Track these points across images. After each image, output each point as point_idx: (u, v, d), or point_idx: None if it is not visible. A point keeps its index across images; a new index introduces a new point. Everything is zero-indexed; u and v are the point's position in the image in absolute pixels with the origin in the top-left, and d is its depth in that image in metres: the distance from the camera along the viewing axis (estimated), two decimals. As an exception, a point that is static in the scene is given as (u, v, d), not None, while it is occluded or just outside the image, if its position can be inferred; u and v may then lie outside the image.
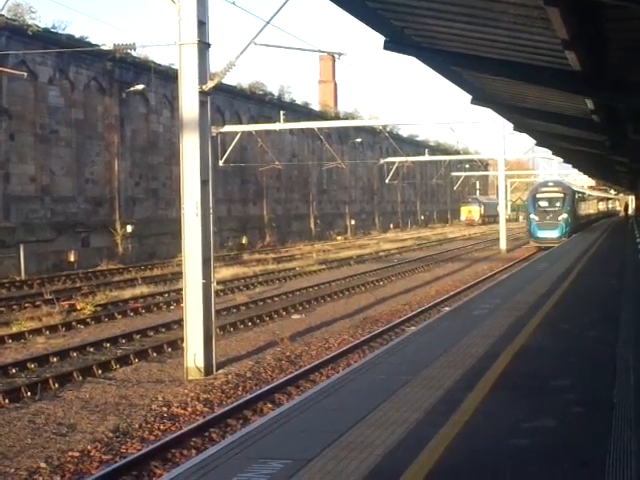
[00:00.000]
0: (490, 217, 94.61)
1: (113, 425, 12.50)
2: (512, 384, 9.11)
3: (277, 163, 46.62)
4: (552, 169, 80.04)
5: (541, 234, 48.49)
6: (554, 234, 47.78)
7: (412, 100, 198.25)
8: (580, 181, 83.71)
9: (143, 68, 44.47)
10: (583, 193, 61.96)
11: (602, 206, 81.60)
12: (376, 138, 78.44)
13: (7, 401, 13.94)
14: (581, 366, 10.09)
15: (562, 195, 49.21)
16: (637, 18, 7.10)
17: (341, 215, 73.62)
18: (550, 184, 51.51)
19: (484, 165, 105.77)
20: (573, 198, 50.71)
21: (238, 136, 39.63)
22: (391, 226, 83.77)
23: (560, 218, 48.32)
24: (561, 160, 50.27)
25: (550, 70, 9.82)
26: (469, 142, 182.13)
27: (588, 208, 65.36)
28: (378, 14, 9.24)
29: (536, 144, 32.25)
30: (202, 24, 15.87)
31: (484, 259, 44.89)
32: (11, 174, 35.74)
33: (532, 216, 49.37)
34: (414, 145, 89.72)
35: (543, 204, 49.01)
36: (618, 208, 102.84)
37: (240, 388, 14.91)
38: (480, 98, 15.33)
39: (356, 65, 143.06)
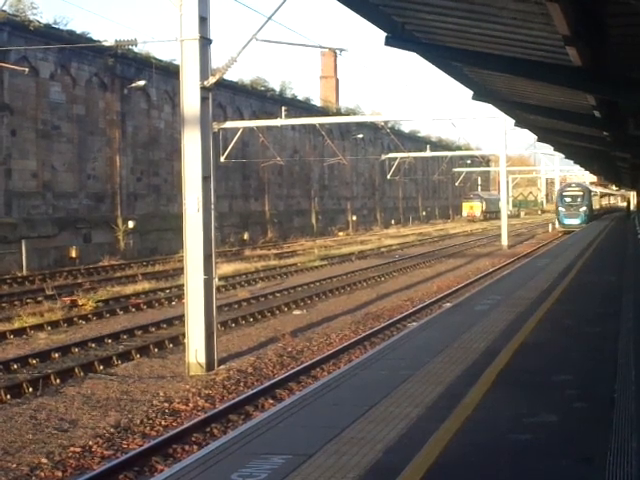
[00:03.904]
0: (492, 213, 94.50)
1: (115, 421, 12.52)
2: (514, 379, 9.12)
3: (279, 159, 46.59)
4: (554, 165, 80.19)
5: (567, 221, 63.50)
6: (576, 221, 62.62)
7: (413, 96, 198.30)
8: (582, 177, 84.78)
9: (144, 64, 44.48)
10: (596, 192, 78.66)
11: (609, 202, 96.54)
12: (378, 134, 78.35)
13: (9, 396, 13.96)
14: (583, 361, 10.10)
15: (582, 193, 64.89)
16: (638, 14, 7.09)
17: (343, 211, 73.61)
18: (573, 185, 69.30)
19: (486, 161, 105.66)
20: (590, 195, 66.62)
21: (240, 132, 39.61)
22: (392, 222, 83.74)
23: (581, 210, 63.82)
24: (563, 156, 50.70)
25: (551, 66, 9.82)
26: (471, 138, 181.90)
27: (600, 203, 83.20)
28: (379, 10, 9.24)
29: (537, 140, 32.21)
30: (203, 20, 15.87)
31: (486, 255, 44.88)
32: (13, 170, 35.76)
33: (560, 208, 64.94)
34: (416, 141, 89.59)
35: (568, 200, 64.37)
36: (621, 204, 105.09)
37: (241, 384, 14.93)
38: (481, 94, 15.33)
39: (358, 61, 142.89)
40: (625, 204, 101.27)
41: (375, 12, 9.25)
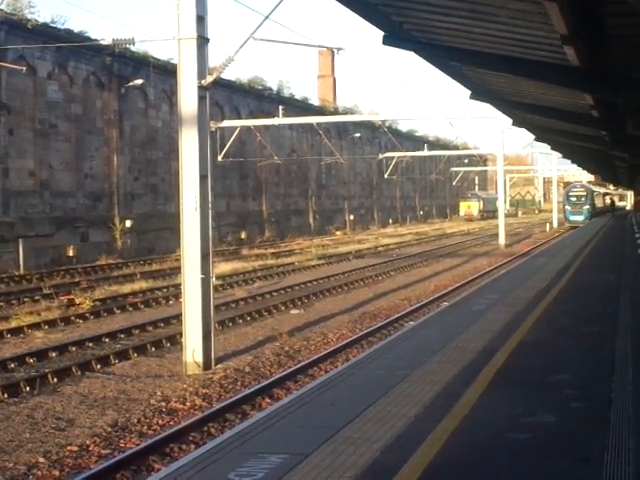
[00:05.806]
0: (489, 212, 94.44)
1: (112, 420, 12.50)
2: (511, 379, 9.11)
3: (276, 158, 46.51)
4: (551, 164, 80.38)
5: (572, 218, 72.60)
6: (581, 218, 71.62)
7: (411, 95, 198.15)
8: (579, 176, 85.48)
9: (142, 63, 44.41)
10: (599, 192, 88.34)
11: (608, 200, 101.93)
12: (375, 133, 78.35)
13: (6, 396, 13.93)
14: (581, 361, 10.10)
15: (585, 193, 74.24)
16: (637, 14, 7.08)
17: (340, 210, 73.59)
18: (578, 186, 77.16)
19: (483, 160, 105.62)
20: (592, 195, 76.33)
21: (237, 131, 39.51)
22: (390, 221, 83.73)
23: (584, 208, 73.12)
24: (560, 155, 50.80)
25: (549, 65, 9.81)
26: (468, 137, 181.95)
27: (604, 201, 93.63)
28: (377, 9, 9.23)
29: (535, 139, 32.20)
30: (201, 19, 15.85)
31: (483, 254, 44.88)
32: (10, 169, 35.69)
33: (567, 207, 74.57)
34: (413, 140, 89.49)
35: (573, 199, 73.74)
36: (620, 202, 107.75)
37: (239, 383, 14.91)
38: (479, 93, 15.31)
39: (355, 60, 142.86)
40: (623, 203, 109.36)
41: (373, 11, 9.24)
